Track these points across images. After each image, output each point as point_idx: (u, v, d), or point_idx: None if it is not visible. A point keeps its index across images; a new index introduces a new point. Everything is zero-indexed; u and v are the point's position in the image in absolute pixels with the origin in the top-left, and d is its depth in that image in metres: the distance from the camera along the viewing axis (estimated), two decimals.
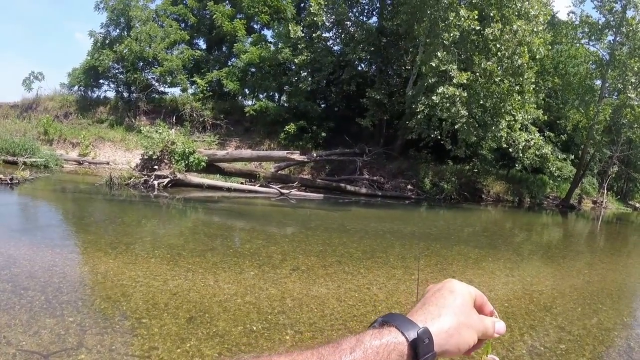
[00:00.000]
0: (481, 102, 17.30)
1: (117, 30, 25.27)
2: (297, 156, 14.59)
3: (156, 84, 26.44)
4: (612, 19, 20.62)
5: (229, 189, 14.79)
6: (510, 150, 18.53)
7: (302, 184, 16.90)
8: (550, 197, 23.92)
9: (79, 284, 4.52)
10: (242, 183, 16.09)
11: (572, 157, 23.19)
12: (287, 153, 14.97)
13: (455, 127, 17.23)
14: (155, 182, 13.37)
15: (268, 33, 26.68)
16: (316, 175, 20.75)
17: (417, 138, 19.24)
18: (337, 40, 23.64)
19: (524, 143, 18.03)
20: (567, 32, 22.02)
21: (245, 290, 4.58)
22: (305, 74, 23.21)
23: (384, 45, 21.44)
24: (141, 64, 25.25)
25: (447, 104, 16.65)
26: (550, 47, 20.64)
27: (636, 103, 19.77)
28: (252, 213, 11.78)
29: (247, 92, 26.04)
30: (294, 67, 23.22)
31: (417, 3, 17.59)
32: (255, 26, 27.18)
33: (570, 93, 22.70)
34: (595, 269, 8.01)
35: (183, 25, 27.54)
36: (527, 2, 16.75)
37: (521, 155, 18.58)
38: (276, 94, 26.48)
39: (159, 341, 3.25)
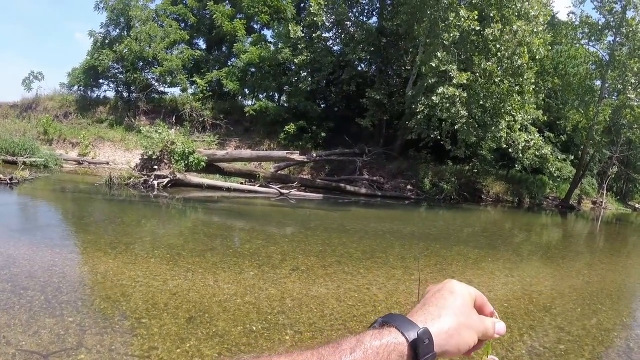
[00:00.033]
0: (481, 103, 17.31)
1: (117, 30, 25.28)
2: (296, 156, 14.59)
3: (156, 84, 26.45)
4: (611, 19, 20.64)
5: (228, 189, 14.78)
6: (509, 150, 18.54)
7: (301, 184, 16.90)
8: (550, 197, 23.94)
9: (78, 284, 4.52)
10: (241, 183, 16.09)
11: (572, 157, 23.20)
12: (286, 153, 14.97)
13: (455, 127, 17.24)
14: (155, 182, 13.37)
15: (268, 33, 26.74)
16: (316, 175, 20.75)
17: (417, 138, 19.25)
18: (337, 40, 23.66)
19: (523, 143, 18.05)
20: (567, 33, 22.04)
21: (245, 290, 4.58)
22: (305, 74, 23.22)
23: (383, 46, 21.44)
24: (141, 63, 25.25)
25: (447, 104, 16.65)
26: (550, 48, 20.65)
27: (636, 103, 19.79)
28: (251, 213, 11.78)
29: (247, 92, 26.06)
30: (293, 67, 23.23)
31: (417, 3, 17.59)
32: (255, 26, 27.18)
33: (570, 93, 22.71)
34: (594, 269, 8.02)
35: (183, 25, 27.54)
36: (527, 3, 16.76)
37: (521, 155, 18.59)
38: (276, 94, 26.49)
39: (158, 341, 3.25)
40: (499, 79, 16.82)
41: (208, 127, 24.49)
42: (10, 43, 74.60)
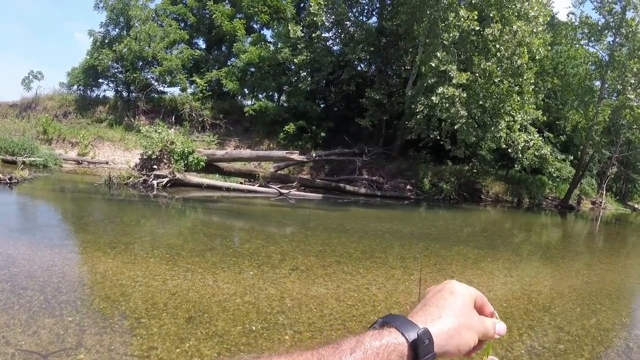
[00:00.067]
0: (480, 103, 17.31)
1: (117, 30, 25.28)
2: (296, 156, 14.59)
3: (155, 84, 26.44)
4: (611, 20, 20.65)
5: (228, 189, 14.78)
6: (509, 150, 18.56)
7: (301, 184, 16.90)
8: (549, 197, 23.95)
9: (78, 284, 4.51)
10: (241, 183, 16.09)
11: (571, 157, 23.22)
12: (286, 153, 14.97)
13: (455, 127, 17.24)
14: (155, 182, 13.36)
15: (268, 33, 26.74)
16: (315, 175, 20.75)
17: (417, 138, 19.25)
18: (337, 40, 23.66)
19: (523, 144, 18.06)
20: (566, 33, 22.05)
21: (245, 290, 4.58)
22: (305, 73, 23.22)
23: (383, 46, 21.45)
24: (140, 63, 25.24)
25: (447, 105, 16.66)
26: (550, 48, 20.66)
27: (635, 104, 19.80)
28: (251, 213, 11.78)
29: (247, 92, 26.06)
30: (293, 67, 23.23)
31: (417, 3, 17.60)
32: (254, 26, 27.19)
33: (569, 94, 22.73)
34: (594, 269, 8.02)
35: (182, 24, 27.53)
36: (526, 3, 16.76)
37: (520, 155, 18.60)
38: (275, 94, 26.49)
39: (158, 341, 3.25)
40: (498, 79, 16.83)
41: (208, 127, 24.49)
42: (10, 43, 74.53)
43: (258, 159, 19.00)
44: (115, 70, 26.03)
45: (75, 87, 27.27)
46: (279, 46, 22.97)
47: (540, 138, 19.28)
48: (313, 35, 22.07)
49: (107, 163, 20.44)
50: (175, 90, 27.28)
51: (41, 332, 3.22)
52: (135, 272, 4.84)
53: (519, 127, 18.24)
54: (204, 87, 24.98)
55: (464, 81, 16.64)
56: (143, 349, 3.13)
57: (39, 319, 3.42)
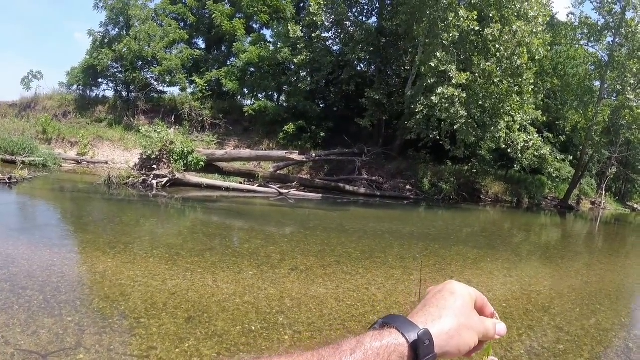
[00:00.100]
0: (480, 103, 17.32)
1: (116, 30, 25.26)
2: (296, 156, 14.59)
3: (155, 84, 26.42)
4: (611, 20, 20.67)
5: (227, 189, 14.78)
6: (509, 150, 18.56)
7: (300, 184, 16.90)
8: (549, 197, 23.96)
9: (77, 284, 4.51)
10: (240, 183, 16.08)
11: (571, 158, 23.22)
12: (286, 153, 14.97)
13: (454, 127, 17.25)
14: (154, 182, 13.35)
15: (267, 33, 26.72)
16: (315, 175, 20.75)
17: (416, 138, 19.25)
18: (337, 40, 23.66)
19: (522, 144, 18.07)
20: (566, 33, 22.06)
21: (244, 290, 4.58)
22: (305, 73, 23.22)
23: (383, 46, 21.45)
24: (140, 63, 25.22)
25: (446, 105, 16.66)
26: (550, 48, 20.66)
27: (635, 104, 19.81)
28: (250, 213, 11.78)
29: (246, 92, 26.05)
30: (293, 67, 23.22)
31: (417, 3, 17.60)
32: (254, 26, 27.17)
33: (569, 94, 22.74)
34: (593, 269, 8.03)
35: (182, 24, 27.52)
36: (526, 3, 16.77)
37: (520, 155, 18.61)
38: (275, 94, 26.48)
39: (157, 341, 3.25)
40: (498, 79, 16.84)
41: (207, 127, 24.48)
42: (10, 43, 74.35)
43: (257, 159, 19.00)
44: (115, 70, 26.01)
45: (74, 86, 27.27)
46: (278, 46, 22.96)
47: (540, 138, 19.29)
48: (313, 35, 22.07)
49: (106, 163, 20.44)
50: (174, 90, 27.32)
51: (40, 332, 3.21)
52: (134, 272, 4.84)
53: (518, 127, 18.25)
54: (204, 87, 24.97)
55: (464, 81, 16.65)
56: (142, 349, 3.13)
57: (39, 319, 3.42)
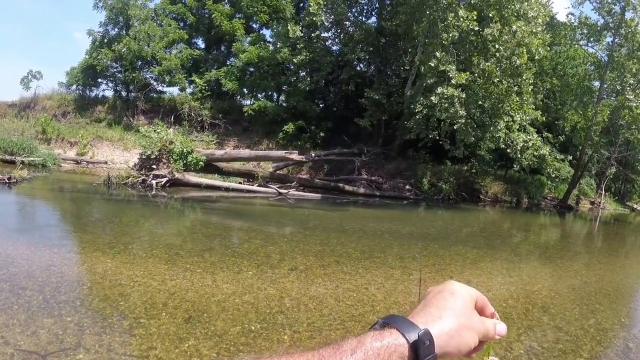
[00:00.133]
0: (480, 103, 17.34)
1: (116, 29, 25.26)
2: (295, 156, 14.59)
3: (154, 83, 26.42)
4: (610, 20, 20.69)
5: (227, 189, 14.77)
6: (508, 150, 18.58)
7: (300, 183, 16.89)
8: (548, 197, 23.98)
9: (77, 284, 4.51)
10: (240, 183, 16.08)
11: (570, 158, 23.25)
12: (285, 153, 14.97)
13: (454, 127, 17.26)
14: (154, 182, 13.35)
15: (267, 33, 26.77)
16: (314, 175, 20.76)
17: (416, 138, 19.26)
18: (336, 40, 23.68)
19: (522, 144, 18.09)
20: (565, 34, 22.09)
21: (244, 290, 4.58)
22: (304, 73, 23.22)
23: (382, 46, 21.45)
24: (140, 63, 25.21)
25: (446, 105, 16.67)
26: (549, 48, 20.68)
27: (634, 104, 19.82)
28: (250, 213, 11.78)
29: (246, 92, 26.05)
30: (292, 66, 23.23)
31: (416, 3, 17.61)
32: (254, 26, 27.18)
33: (568, 94, 22.76)
34: (592, 269, 8.03)
35: (182, 24, 27.53)
36: (526, 3, 16.79)
37: (519, 155, 18.63)
38: (275, 94, 26.48)
39: (157, 341, 3.25)
40: (497, 79, 16.85)
41: (207, 127, 24.48)
42: (10, 43, 74.27)
43: (257, 159, 19.00)
44: (114, 70, 26.00)
45: (74, 86, 27.26)
46: (278, 46, 22.97)
47: (539, 138, 19.32)
48: (312, 35, 22.08)
49: (106, 163, 20.43)
50: (174, 90, 27.33)
51: (40, 332, 3.21)
52: (134, 272, 4.84)
53: (517, 127, 18.28)
54: (203, 87, 24.97)
55: (463, 81, 16.66)
56: (142, 349, 3.13)
57: (38, 319, 3.41)
